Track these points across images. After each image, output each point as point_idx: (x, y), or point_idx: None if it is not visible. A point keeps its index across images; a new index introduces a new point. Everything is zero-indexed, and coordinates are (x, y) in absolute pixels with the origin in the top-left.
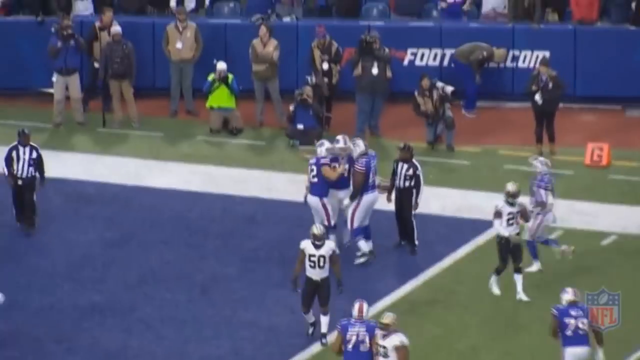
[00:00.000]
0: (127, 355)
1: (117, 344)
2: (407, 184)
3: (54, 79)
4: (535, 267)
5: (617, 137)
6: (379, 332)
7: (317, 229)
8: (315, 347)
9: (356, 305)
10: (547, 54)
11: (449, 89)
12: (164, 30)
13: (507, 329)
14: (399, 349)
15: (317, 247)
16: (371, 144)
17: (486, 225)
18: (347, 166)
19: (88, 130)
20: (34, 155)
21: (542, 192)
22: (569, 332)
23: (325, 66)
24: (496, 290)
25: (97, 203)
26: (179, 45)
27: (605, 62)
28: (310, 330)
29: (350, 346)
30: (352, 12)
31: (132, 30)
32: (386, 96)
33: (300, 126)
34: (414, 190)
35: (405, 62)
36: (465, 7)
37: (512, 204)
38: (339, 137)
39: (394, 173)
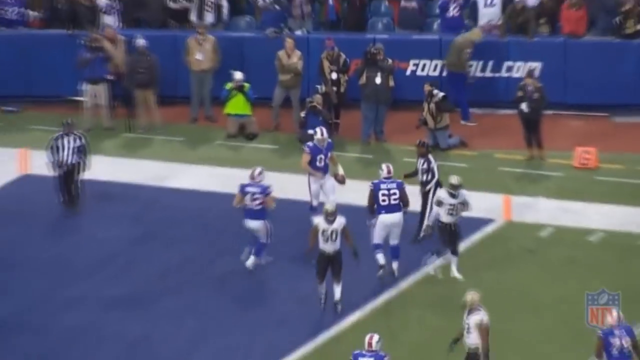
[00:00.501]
0: (150, 343)
1: (140, 333)
2: (424, 177)
3: (83, 87)
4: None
5: (604, 142)
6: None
7: (330, 205)
8: (325, 337)
9: (366, 339)
10: (539, 65)
11: (441, 94)
12: (184, 42)
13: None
14: (480, 326)
15: (330, 222)
16: (376, 149)
17: (481, 223)
18: (326, 156)
19: (115, 135)
20: (78, 143)
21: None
22: (614, 352)
23: (334, 76)
24: (433, 270)
25: (123, 202)
26: (198, 56)
27: (592, 72)
28: (323, 299)
29: None
30: (359, 26)
31: (156, 43)
32: (389, 104)
33: (311, 131)
34: (429, 183)
35: (408, 72)
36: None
37: (454, 196)
38: (317, 129)
39: (416, 168)
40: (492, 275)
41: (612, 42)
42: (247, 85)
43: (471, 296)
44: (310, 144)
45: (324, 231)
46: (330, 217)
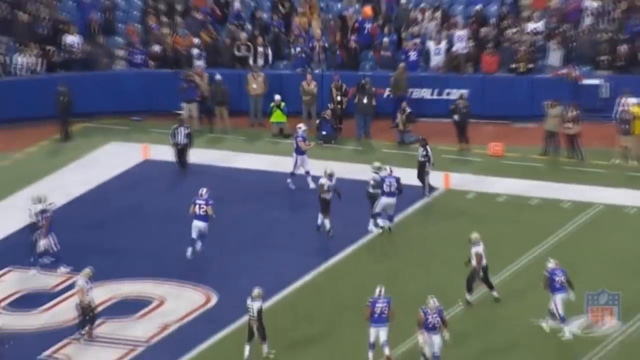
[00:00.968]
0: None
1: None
2: (421, 159)
3: (182, 105)
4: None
5: (508, 139)
6: None
7: (329, 169)
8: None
9: (377, 290)
10: (466, 91)
11: (408, 110)
12: (245, 77)
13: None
14: (477, 254)
15: (330, 180)
16: (365, 143)
17: (429, 190)
18: (312, 144)
19: (202, 135)
20: (187, 131)
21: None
22: (557, 285)
23: (339, 98)
24: (374, 228)
25: (204, 176)
26: (254, 86)
27: (500, 96)
28: (319, 226)
29: None
30: (355, 66)
31: (228, 77)
32: (373, 115)
33: (323, 133)
34: (427, 163)
35: (385, 96)
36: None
37: (377, 174)
38: (300, 124)
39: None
40: (440, 224)
41: (512, 77)
42: (283, 103)
43: (474, 235)
44: (305, 135)
45: (327, 186)
46: (329, 177)
